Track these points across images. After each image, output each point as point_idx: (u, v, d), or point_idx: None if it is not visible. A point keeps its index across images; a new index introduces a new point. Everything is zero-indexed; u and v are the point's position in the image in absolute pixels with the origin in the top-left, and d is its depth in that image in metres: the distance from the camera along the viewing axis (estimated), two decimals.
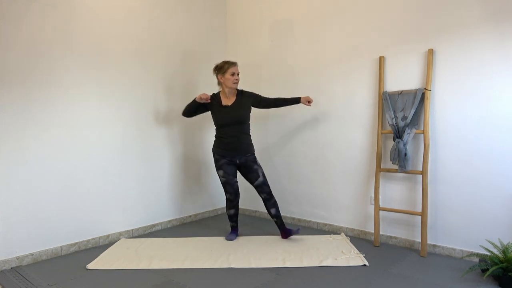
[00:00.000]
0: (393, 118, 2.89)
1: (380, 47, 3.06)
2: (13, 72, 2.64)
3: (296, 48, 3.64)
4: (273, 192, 3.84)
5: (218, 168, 3.11)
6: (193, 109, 3.14)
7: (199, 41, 3.97)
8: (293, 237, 3.21)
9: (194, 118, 3.88)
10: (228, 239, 3.19)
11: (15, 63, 2.64)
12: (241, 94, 3.13)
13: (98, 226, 3.13)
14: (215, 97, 3.13)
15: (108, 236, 3.19)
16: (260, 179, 3.09)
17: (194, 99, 3.08)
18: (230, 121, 3.03)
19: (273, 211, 3.13)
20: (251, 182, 3.11)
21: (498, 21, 2.50)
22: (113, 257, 2.79)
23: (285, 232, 3.16)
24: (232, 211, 3.19)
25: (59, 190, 2.89)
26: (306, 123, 3.59)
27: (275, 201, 3.14)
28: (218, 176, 3.58)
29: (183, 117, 3.78)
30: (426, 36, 2.81)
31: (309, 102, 3.11)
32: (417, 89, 2.81)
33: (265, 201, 3.13)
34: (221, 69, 3.04)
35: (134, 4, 3.36)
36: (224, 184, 3.11)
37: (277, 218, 3.15)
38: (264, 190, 3.10)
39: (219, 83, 3.12)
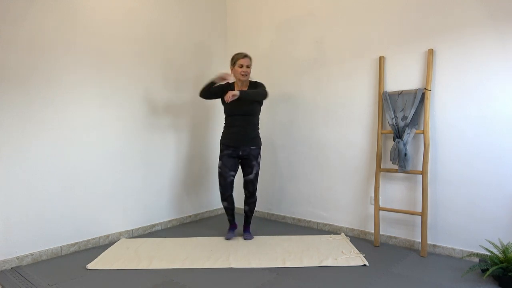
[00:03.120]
0: (393, 118, 2.89)
1: (380, 47, 3.06)
2: (13, 72, 2.64)
3: (296, 48, 3.64)
4: (273, 192, 3.85)
5: (219, 158, 3.17)
6: (208, 90, 3.13)
7: (199, 40, 3.97)
8: (293, 237, 3.21)
9: (193, 117, 3.89)
10: (227, 238, 3.21)
11: (15, 63, 2.64)
12: (254, 85, 3.15)
13: (98, 226, 3.13)
14: (230, 86, 3.16)
15: (108, 236, 3.19)
16: (251, 176, 3.13)
17: (212, 80, 3.09)
18: (239, 111, 3.06)
19: (246, 208, 3.25)
20: (243, 176, 3.18)
21: (498, 21, 2.50)
22: (113, 257, 2.79)
23: (245, 229, 3.29)
24: (225, 204, 3.22)
25: (59, 190, 2.88)
26: (306, 123, 3.58)
27: (254, 202, 3.22)
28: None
29: (182, 116, 3.79)
30: (426, 36, 2.80)
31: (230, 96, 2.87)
32: (417, 89, 2.81)
33: (245, 197, 3.22)
34: (232, 60, 3.11)
35: (134, 4, 3.36)
36: (219, 175, 3.16)
37: (247, 216, 3.27)
38: (248, 187, 3.16)
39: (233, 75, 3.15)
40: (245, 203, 3.24)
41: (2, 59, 2.58)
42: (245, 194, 3.22)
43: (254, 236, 3.25)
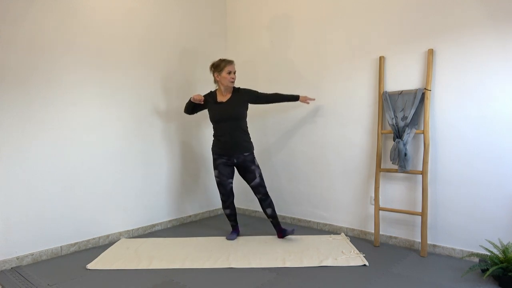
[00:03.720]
0: (393, 118, 2.89)
1: (380, 47, 3.06)
2: (13, 72, 2.64)
3: (296, 48, 3.64)
4: (273, 192, 3.85)
5: (214, 167, 3.14)
6: (190, 108, 3.19)
7: (199, 40, 3.97)
8: (293, 237, 3.21)
9: (193, 117, 3.89)
10: (228, 238, 3.20)
11: (15, 63, 2.65)
12: (237, 91, 3.12)
13: (98, 226, 3.13)
14: (212, 94, 3.15)
15: (108, 236, 3.19)
16: (257, 180, 3.08)
17: (190, 99, 3.13)
18: (224, 117, 3.02)
19: (268, 211, 3.13)
20: (248, 182, 3.12)
21: (498, 21, 2.50)
22: (113, 257, 2.79)
23: (281, 231, 3.18)
24: (227, 211, 3.22)
25: (59, 190, 2.89)
26: (306, 123, 3.58)
27: (271, 201, 3.13)
28: None
29: (182, 116, 3.80)
30: (426, 36, 2.80)
31: (307, 101, 3.27)
32: (417, 89, 2.81)
33: (260, 201, 3.13)
34: (218, 67, 3.04)
35: (134, 4, 3.36)
36: (217, 184, 3.15)
37: (273, 218, 3.15)
38: (260, 191, 3.09)
39: (216, 81, 3.12)
40: (265, 207, 3.12)
41: (2, 59, 2.59)
42: (259, 199, 3.12)
43: (255, 236, 3.24)
